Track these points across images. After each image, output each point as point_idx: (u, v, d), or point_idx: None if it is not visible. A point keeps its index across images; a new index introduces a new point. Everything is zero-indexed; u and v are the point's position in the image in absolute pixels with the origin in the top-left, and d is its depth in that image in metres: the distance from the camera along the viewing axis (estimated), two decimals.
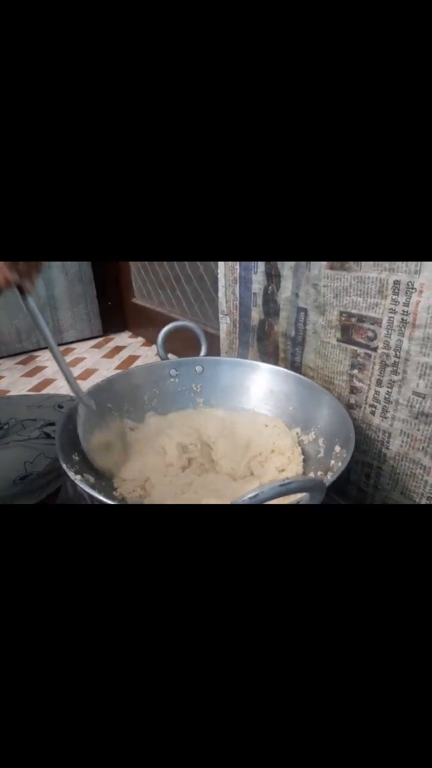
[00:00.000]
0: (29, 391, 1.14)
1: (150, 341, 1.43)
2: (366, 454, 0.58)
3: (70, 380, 0.49)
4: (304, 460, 0.56)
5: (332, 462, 0.49)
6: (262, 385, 0.65)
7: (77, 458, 0.49)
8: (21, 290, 0.41)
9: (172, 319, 1.28)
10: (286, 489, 0.31)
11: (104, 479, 0.53)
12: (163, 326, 0.68)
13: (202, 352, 0.69)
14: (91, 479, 0.48)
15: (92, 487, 0.42)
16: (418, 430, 0.51)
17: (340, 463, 0.45)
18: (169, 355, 0.70)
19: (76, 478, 0.42)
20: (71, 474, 0.42)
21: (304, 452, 0.57)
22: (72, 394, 0.51)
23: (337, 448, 0.49)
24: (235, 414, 0.66)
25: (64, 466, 0.43)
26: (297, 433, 0.59)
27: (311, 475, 0.53)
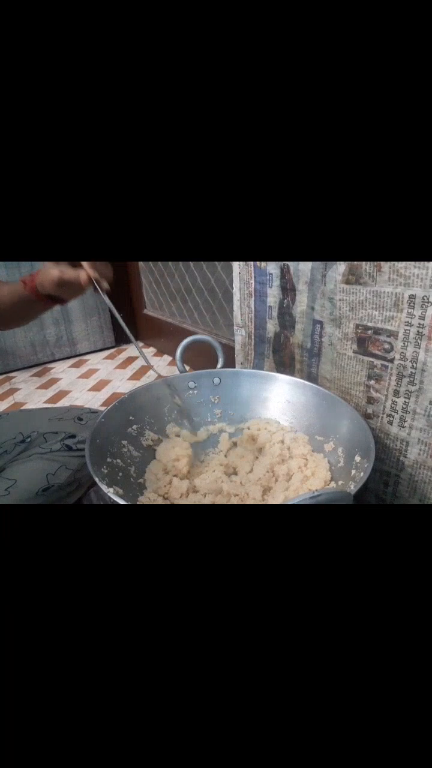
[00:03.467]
0: (45, 402, 1.16)
1: (162, 351, 1.45)
2: (384, 463, 0.59)
3: (155, 371, 0.57)
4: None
5: (353, 472, 0.50)
6: (280, 396, 0.66)
7: (106, 471, 0.51)
8: (97, 287, 0.48)
9: (183, 330, 1.30)
10: (316, 501, 0.33)
11: (133, 491, 0.55)
12: (174, 336, 0.70)
13: (219, 364, 0.70)
14: (120, 491, 0.50)
15: (121, 498, 0.43)
16: None
17: (362, 473, 0.46)
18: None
19: (109, 491, 0.43)
20: (104, 487, 0.44)
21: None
22: (88, 406, 0.54)
23: (357, 458, 0.51)
24: (251, 423, 0.67)
25: (96, 478, 0.44)
26: (318, 439, 0.61)
27: (333, 485, 0.54)
